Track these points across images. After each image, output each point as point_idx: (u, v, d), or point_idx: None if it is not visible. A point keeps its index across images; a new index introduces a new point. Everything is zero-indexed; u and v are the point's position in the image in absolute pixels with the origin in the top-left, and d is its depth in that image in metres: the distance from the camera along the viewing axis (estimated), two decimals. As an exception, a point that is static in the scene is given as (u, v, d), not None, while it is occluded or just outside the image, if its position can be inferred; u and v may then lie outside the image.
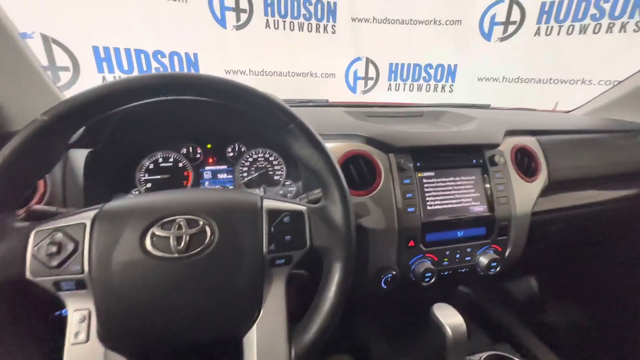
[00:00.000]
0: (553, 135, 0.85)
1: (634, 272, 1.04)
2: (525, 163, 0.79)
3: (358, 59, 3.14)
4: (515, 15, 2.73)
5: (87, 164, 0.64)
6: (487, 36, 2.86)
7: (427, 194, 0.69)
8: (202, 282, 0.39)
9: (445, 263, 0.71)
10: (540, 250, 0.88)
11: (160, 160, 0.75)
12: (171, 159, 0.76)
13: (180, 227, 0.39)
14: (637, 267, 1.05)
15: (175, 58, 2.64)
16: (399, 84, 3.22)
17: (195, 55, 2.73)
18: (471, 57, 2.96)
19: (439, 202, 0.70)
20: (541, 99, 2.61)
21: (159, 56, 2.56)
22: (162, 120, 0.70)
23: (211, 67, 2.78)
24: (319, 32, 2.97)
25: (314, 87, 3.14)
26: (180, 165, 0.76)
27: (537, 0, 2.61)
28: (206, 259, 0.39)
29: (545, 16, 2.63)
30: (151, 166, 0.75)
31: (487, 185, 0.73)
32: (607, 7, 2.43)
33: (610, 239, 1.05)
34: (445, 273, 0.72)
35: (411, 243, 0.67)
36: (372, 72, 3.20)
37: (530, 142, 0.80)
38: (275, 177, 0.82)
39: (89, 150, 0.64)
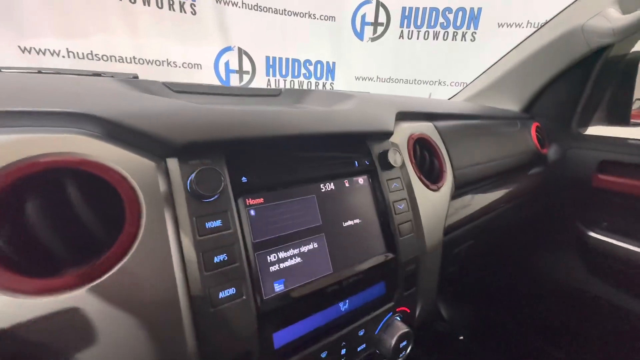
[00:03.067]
0: (450, 121, 0.62)
1: (543, 274, 0.97)
2: (426, 162, 0.51)
3: (229, 48, 2.70)
4: (382, 17, 2.82)
5: None
6: (360, 35, 2.89)
7: (266, 248, 0.31)
8: None
9: None
10: (451, 281, 0.64)
11: None
12: None
13: None
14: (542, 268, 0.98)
15: None
16: (279, 79, 2.92)
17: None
18: (348, 55, 2.93)
19: (295, 259, 0.33)
20: (411, 98, 2.78)
21: None
22: None
23: (-10, 39, 1.84)
24: (174, 10, 2.37)
25: (175, 78, 2.51)
26: None
27: (398, 4, 2.75)
28: None
29: (406, 21, 2.80)
30: None
31: (382, 206, 0.41)
32: (450, 17, 2.74)
33: (515, 241, 0.95)
34: None
35: None
36: (247, 66, 2.80)
37: (428, 129, 0.54)
38: None
39: None
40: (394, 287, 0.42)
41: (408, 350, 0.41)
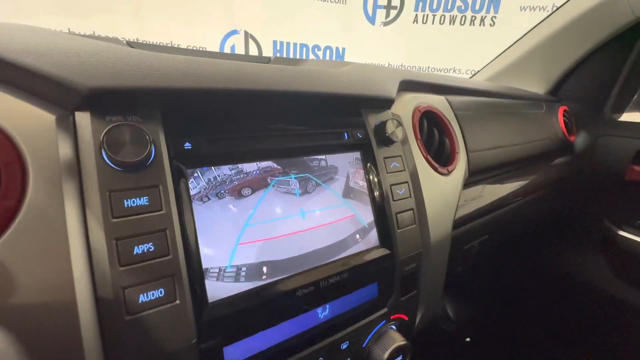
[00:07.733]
0: (465, 97, 0.52)
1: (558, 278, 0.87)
2: (435, 140, 0.43)
3: (235, 32, 2.63)
4: (396, 0, 2.70)
5: None
6: (372, 20, 2.77)
7: (213, 238, 0.24)
8: None
9: None
10: (461, 276, 0.56)
11: None
12: None
13: None
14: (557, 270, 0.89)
15: None
16: (286, 65, 2.82)
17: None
18: (358, 40, 2.82)
19: (255, 245, 0.26)
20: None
21: None
22: None
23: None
24: (178, -10, 2.31)
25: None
26: None
27: (413, -15, 2.62)
28: None
29: (421, 4, 2.67)
30: None
31: (377, 190, 0.33)
32: (469, 0, 2.59)
33: (534, 237, 0.86)
34: None
35: None
36: (253, 50, 2.73)
37: (439, 103, 0.45)
38: None
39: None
40: (388, 290, 0.34)
41: (404, 367, 0.34)
